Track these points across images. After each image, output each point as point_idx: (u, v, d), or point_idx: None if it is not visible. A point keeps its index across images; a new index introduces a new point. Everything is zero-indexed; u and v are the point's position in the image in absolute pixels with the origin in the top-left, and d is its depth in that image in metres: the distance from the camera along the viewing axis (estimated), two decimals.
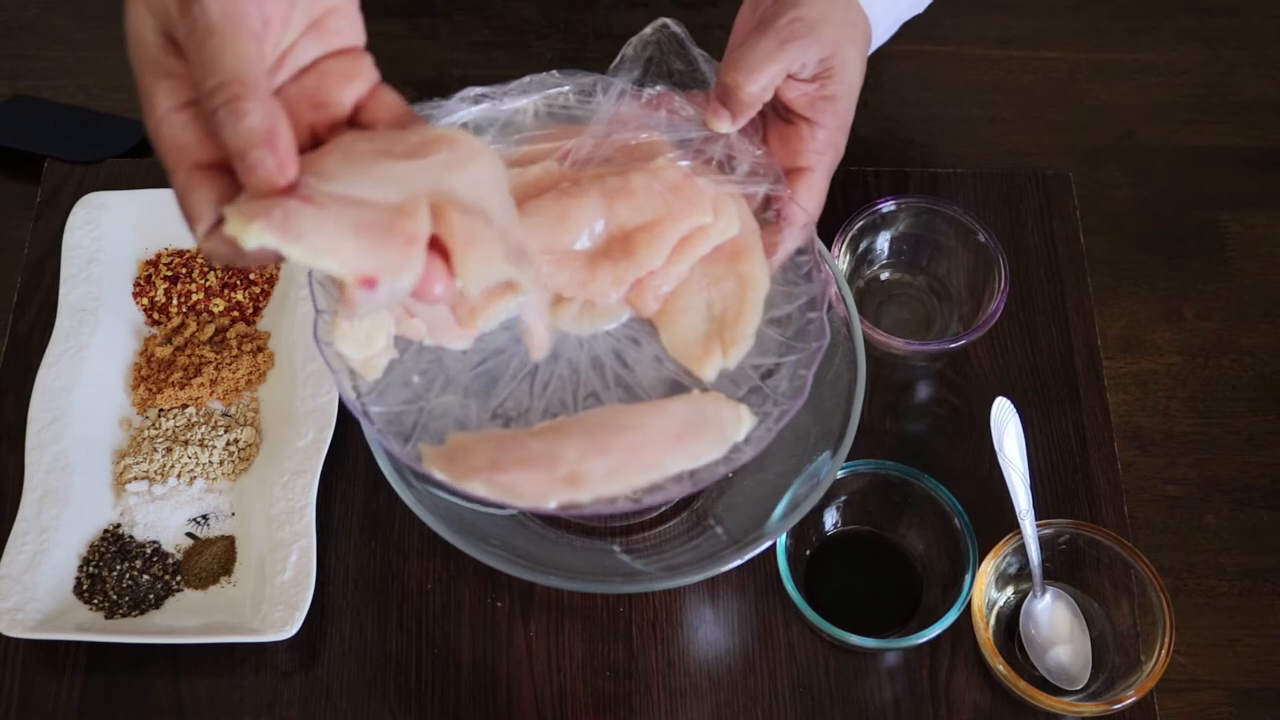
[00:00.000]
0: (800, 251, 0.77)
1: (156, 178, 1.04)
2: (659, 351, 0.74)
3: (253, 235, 0.52)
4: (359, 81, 0.62)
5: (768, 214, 0.77)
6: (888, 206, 0.96)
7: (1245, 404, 0.99)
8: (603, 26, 1.16)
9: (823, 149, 0.77)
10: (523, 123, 0.76)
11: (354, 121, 0.61)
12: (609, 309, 0.74)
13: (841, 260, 0.95)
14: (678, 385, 0.74)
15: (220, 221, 0.54)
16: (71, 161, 1.05)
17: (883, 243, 0.99)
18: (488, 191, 0.60)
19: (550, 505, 0.67)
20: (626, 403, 0.72)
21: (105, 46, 1.14)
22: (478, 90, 0.76)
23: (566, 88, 0.77)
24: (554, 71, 0.76)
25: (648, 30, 0.78)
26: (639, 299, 0.73)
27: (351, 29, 0.63)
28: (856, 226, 0.96)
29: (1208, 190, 1.08)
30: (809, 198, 0.77)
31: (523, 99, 0.76)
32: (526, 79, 0.76)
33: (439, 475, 0.68)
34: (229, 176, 0.55)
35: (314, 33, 0.61)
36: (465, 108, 0.76)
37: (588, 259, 0.71)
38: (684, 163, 0.75)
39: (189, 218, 0.56)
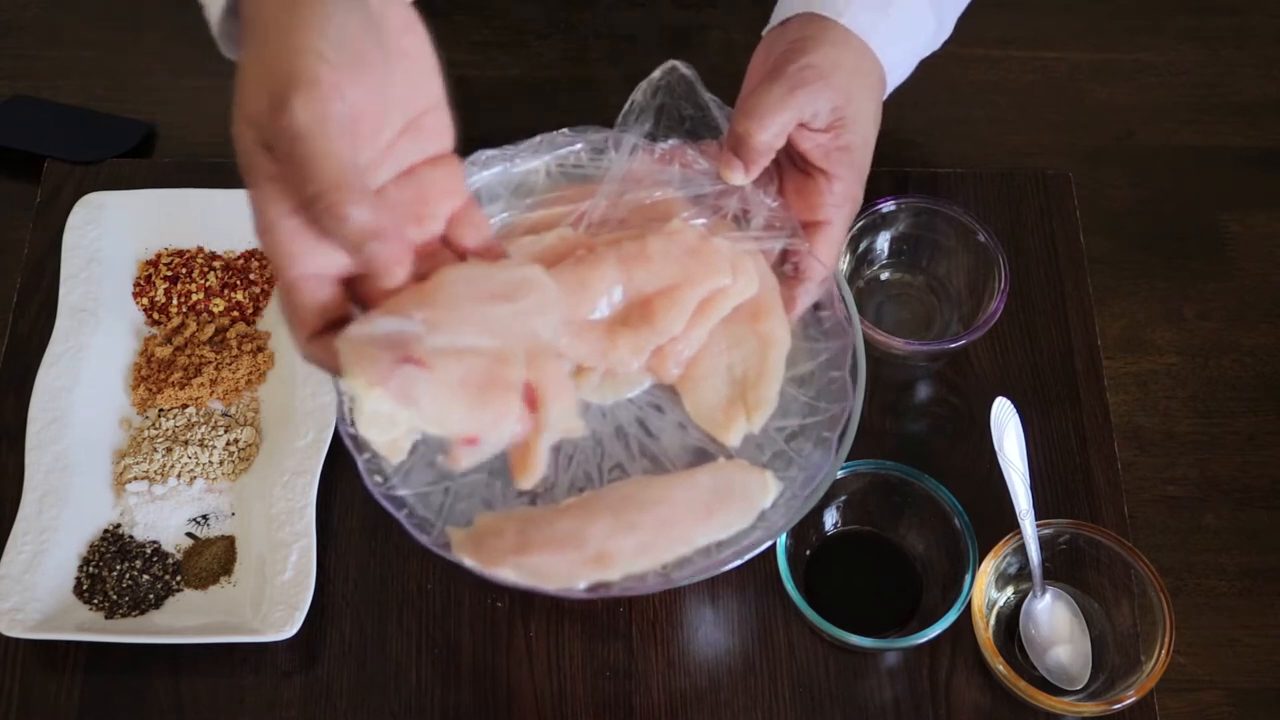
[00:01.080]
0: (818, 306, 0.77)
1: (156, 178, 1.04)
2: (682, 418, 0.74)
3: (372, 399, 0.57)
4: (455, 197, 0.63)
5: (785, 267, 0.76)
6: (888, 206, 0.96)
7: (1245, 404, 0.99)
8: (603, 26, 1.16)
9: (840, 201, 0.76)
10: (535, 184, 0.75)
11: (445, 239, 0.63)
12: (630, 377, 0.73)
13: (841, 260, 0.95)
14: (703, 452, 0.73)
15: (323, 330, 0.58)
16: (71, 161, 1.05)
17: (883, 243, 0.99)
18: (557, 332, 0.65)
19: (580, 586, 0.67)
20: (652, 473, 0.72)
21: (105, 46, 1.14)
22: (489, 153, 0.76)
23: (578, 145, 0.77)
24: (565, 130, 0.76)
25: (656, 74, 0.77)
26: (660, 366, 0.72)
27: (445, 129, 0.64)
28: (856, 226, 0.96)
29: (1208, 190, 1.08)
30: (827, 251, 0.76)
31: (534, 160, 0.76)
32: (538, 139, 0.76)
33: (468, 563, 0.68)
34: (334, 287, 0.58)
35: (412, 133, 0.62)
36: (477, 171, 0.75)
37: (607, 328, 0.71)
38: (699, 221, 0.74)
39: (291, 322, 0.58)
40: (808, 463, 0.72)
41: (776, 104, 0.73)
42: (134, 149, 1.07)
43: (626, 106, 0.77)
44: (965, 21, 1.19)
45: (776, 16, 0.81)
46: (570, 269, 0.70)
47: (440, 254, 0.63)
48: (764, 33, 0.82)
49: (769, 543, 0.70)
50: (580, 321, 0.70)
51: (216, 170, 1.05)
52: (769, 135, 0.73)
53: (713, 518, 0.69)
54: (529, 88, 1.11)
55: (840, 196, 0.76)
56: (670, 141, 0.77)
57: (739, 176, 0.74)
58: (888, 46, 0.78)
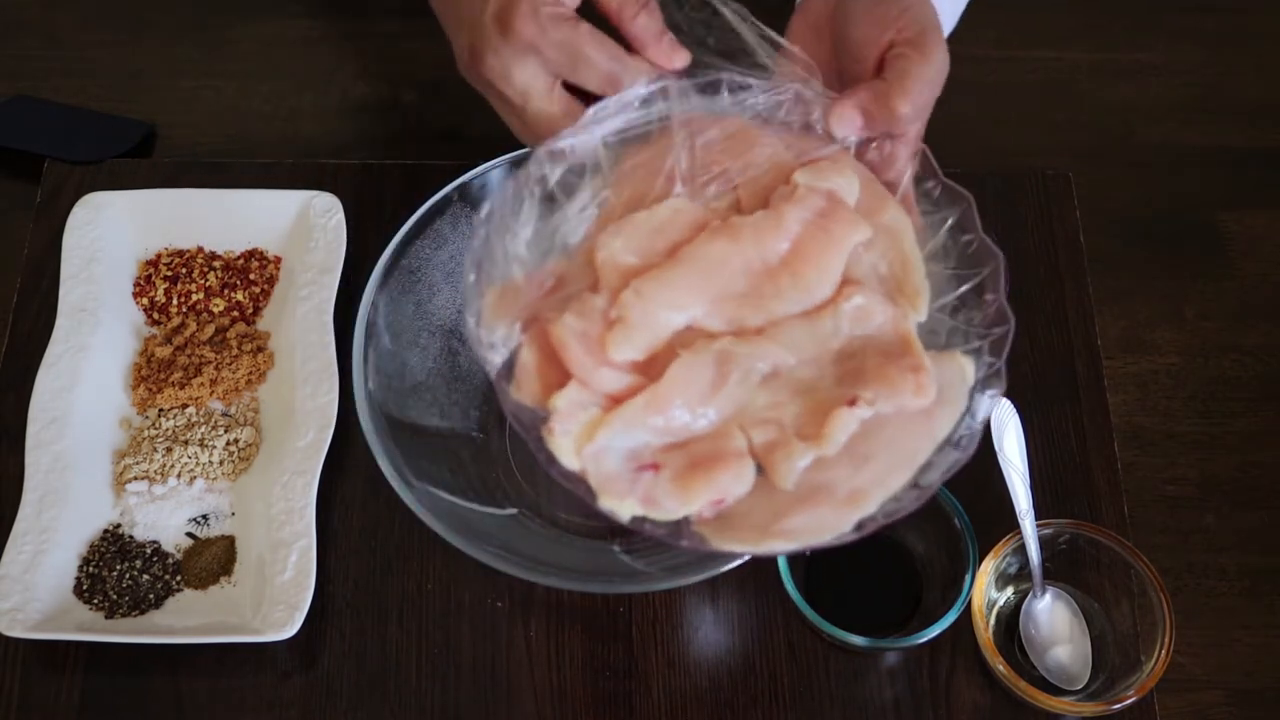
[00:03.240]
0: (918, 179, 0.75)
1: (156, 178, 1.04)
2: None
3: (626, 509, 0.66)
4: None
5: (870, 154, 0.74)
6: None
7: (1245, 404, 0.99)
8: (603, 26, 1.16)
9: (910, 73, 0.73)
10: (600, 160, 0.73)
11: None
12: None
13: None
14: None
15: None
16: (71, 161, 1.05)
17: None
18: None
19: (848, 529, 0.66)
20: None
21: (105, 46, 1.14)
22: (549, 153, 0.72)
23: (626, 113, 0.74)
24: (605, 102, 0.73)
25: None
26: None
27: None
28: None
29: (1208, 190, 1.08)
30: (905, 122, 0.73)
31: (586, 136, 0.73)
32: (587, 115, 0.73)
33: (737, 548, 0.67)
34: None
35: None
36: (547, 169, 0.73)
37: (754, 296, 0.69)
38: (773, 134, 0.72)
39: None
40: (981, 329, 0.71)
41: (929, 83, 0.73)
42: (134, 149, 1.07)
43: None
44: (965, 21, 1.19)
45: None
46: (705, 244, 0.69)
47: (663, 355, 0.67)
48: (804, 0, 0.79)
49: (992, 409, 0.69)
50: (725, 295, 0.68)
51: (216, 170, 1.05)
52: (916, 113, 0.72)
53: (933, 418, 0.67)
54: None
55: (909, 67, 0.73)
56: (709, 75, 0.74)
57: (852, 131, 0.73)
58: (939, 1, 0.77)
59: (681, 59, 0.73)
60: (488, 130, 1.09)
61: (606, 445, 0.66)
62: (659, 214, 0.70)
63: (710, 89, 0.73)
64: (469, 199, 0.91)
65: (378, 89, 1.12)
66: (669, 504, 0.65)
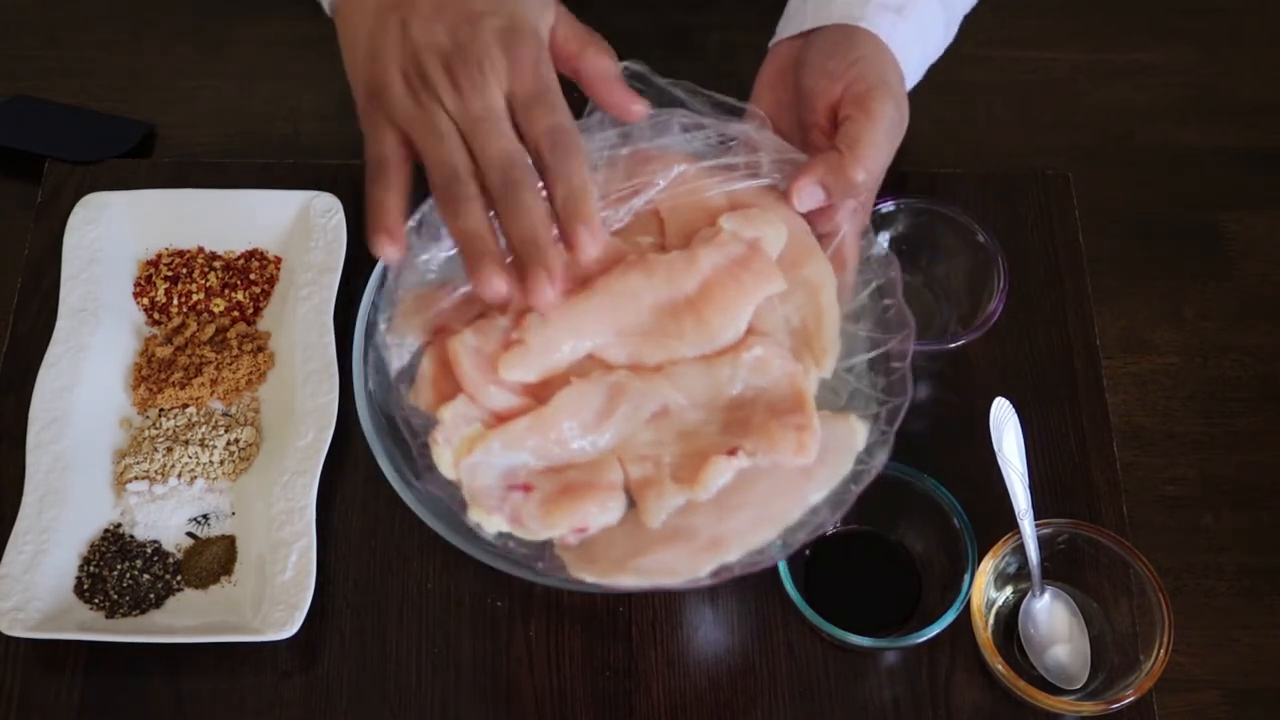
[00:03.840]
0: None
1: (156, 178, 1.04)
2: None
3: (492, 524, 0.67)
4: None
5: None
6: (887, 206, 0.96)
7: (1245, 404, 0.99)
8: (603, 26, 1.16)
9: (863, 132, 0.74)
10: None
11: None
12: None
13: None
14: None
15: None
16: (71, 161, 1.05)
17: (882, 243, 0.98)
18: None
19: (703, 574, 0.66)
20: None
21: (105, 46, 1.14)
22: None
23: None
24: None
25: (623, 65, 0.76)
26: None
27: None
28: None
29: (1208, 190, 1.08)
30: (856, 181, 0.73)
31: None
32: None
33: (589, 579, 0.67)
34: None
35: None
36: None
37: (658, 332, 0.69)
38: (701, 165, 0.74)
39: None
40: (883, 395, 0.71)
41: (879, 147, 0.73)
42: (134, 149, 1.07)
43: (588, 108, 0.75)
44: (965, 21, 1.19)
45: (793, 27, 0.80)
46: (619, 278, 0.70)
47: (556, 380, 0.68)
48: (774, 43, 0.81)
49: (869, 482, 0.69)
50: (629, 329, 0.69)
51: (216, 170, 1.05)
52: (872, 178, 0.73)
53: (811, 478, 0.68)
54: None
55: (859, 133, 0.74)
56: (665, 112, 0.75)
57: (809, 204, 0.73)
58: (903, 50, 0.79)
59: (639, 109, 0.72)
60: None
61: (484, 461, 0.67)
62: None
63: (661, 127, 0.74)
64: None
65: None
66: (533, 525, 0.66)
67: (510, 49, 0.69)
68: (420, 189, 0.70)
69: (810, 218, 0.74)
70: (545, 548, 0.68)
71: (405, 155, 0.70)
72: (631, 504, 0.68)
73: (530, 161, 0.67)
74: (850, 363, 0.72)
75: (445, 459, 0.67)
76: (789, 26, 0.81)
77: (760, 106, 0.77)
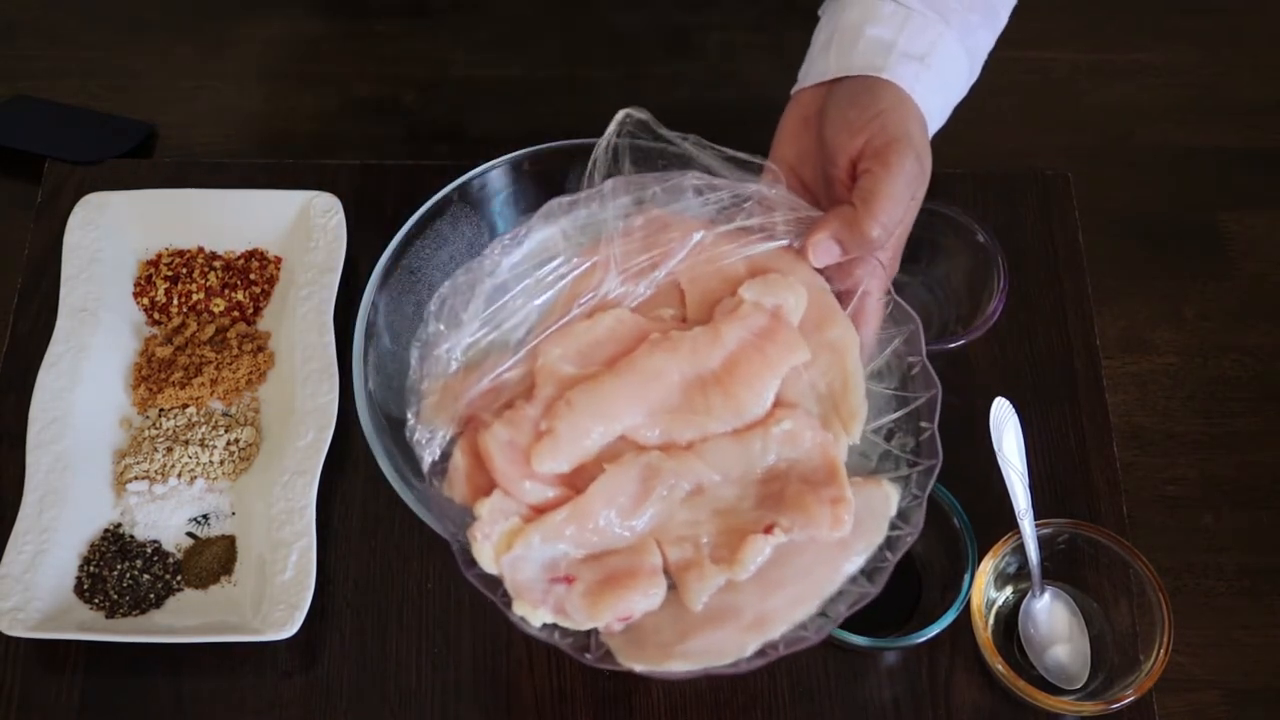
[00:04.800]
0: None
1: (156, 178, 1.04)
2: None
3: (538, 617, 0.67)
4: None
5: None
6: None
7: (1245, 404, 0.99)
8: (603, 26, 1.16)
9: (885, 189, 0.72)
10: (556, 248, 0.74)
11: None
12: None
13: None
14: None
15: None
16: (71, 161, 1.05)
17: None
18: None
19: (748, 653, 0.66)
20: None
21: (105, 47, 1.14)
22: (505, 243, 0.75)
23: (588, 206, 0.75)
24: (561, 199, 0.74)
25: (611, 127, 0.75)
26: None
27: None
28: None
29: (1208, 190, 1.08)
30: (875, 225, 0.72)
31: (548, 229, 0.74)
32: (541, 210, 0.75)
33: (640, 668, 0.67)
34: None
35: None
36: (501, 259, 0.74)
37: (685, 410, 0.69)
38: (720, 229, 0.73)
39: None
40: (913, 457, 0.71)
41: (896, 201, 0.72)
42: (134, 149, 1.07)
43: (590, 166, 0.76)
44: None
45: (815, 75, 0.79)
46: (645, 357, 0.70)
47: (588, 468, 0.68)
48: (797, 90, 0.80)
49: (905, 549, 0.68)
50: (658, 408, 0.69)
51: (216, 170, 1.05)
52: (888, 232, 0.72)
53: (848, 549, 0.67)
54: (529, 88, 1.11)
55: (876, 187, 0.72)
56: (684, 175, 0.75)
57: (826, 259, 0.72)
58: (926, 99, 0.77)
59: None
60: (488, 130, 1.10)
61: (524, 555, 0.67)
62: (602, 323, 0.71)
63: (674, 191, 0.74)
64: (469, 199, 0.91)
65: (378, 89, 1.12)
66: (578, 617, 0.66)
67: None
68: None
69: (829, 274, 0.74)
70: (591, 636, 0.68)
71: None
72: (672, 586, 0.67)
73: None
74: (878, 424, 0.72)
75: (486, 554, 0.67)
76: (811, 74, 0.79)
77: (783, 155, 0.77)
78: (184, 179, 1.03)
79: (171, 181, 1.03)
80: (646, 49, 1.15)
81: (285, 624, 0.85)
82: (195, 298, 0.99)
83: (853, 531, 0.67)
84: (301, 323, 0.96)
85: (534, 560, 0.67)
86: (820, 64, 0.78)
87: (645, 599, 0.66)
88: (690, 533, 0.67)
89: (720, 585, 0.66)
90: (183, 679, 0.87)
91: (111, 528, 0.91)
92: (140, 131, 1.08)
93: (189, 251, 1.01)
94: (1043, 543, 0.87)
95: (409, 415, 0.71)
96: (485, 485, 0.68)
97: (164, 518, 0.92)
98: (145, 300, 0.99)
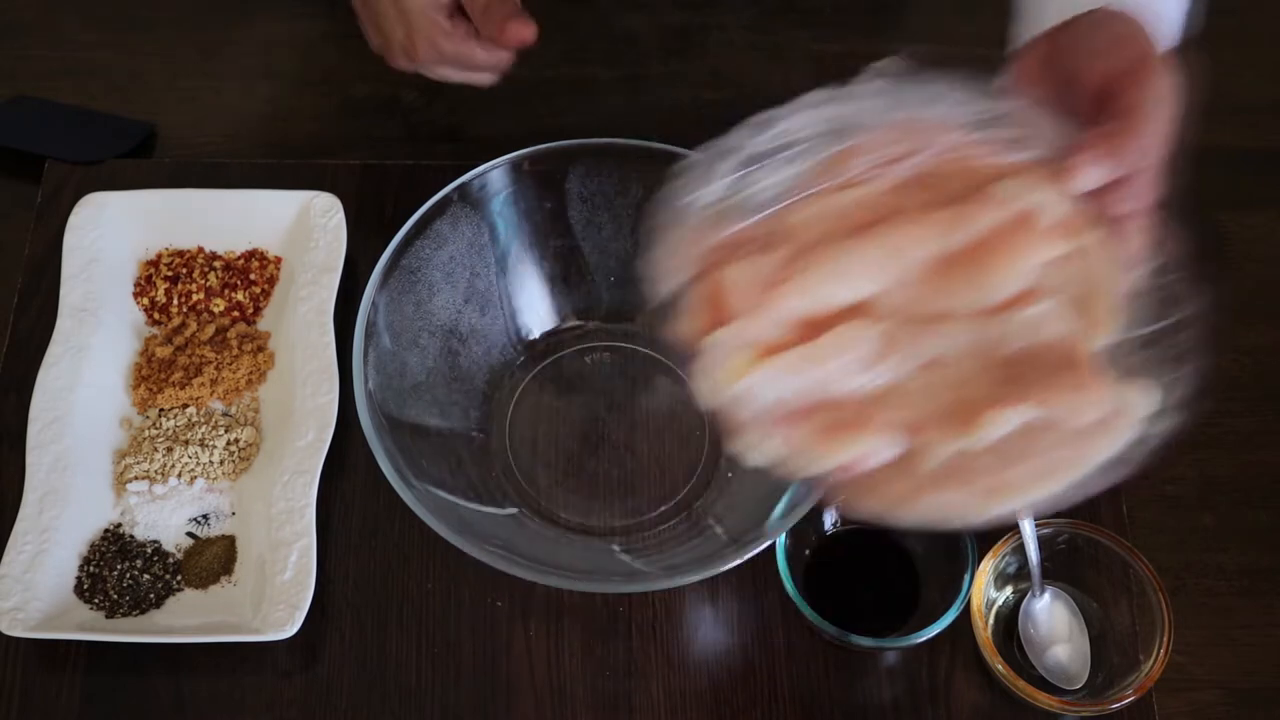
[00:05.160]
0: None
1: (156, 178, 1.04)
2: None
3: (757, 454, 0.66)
4: None
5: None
6: None
7: (1245, 404, 0.99)
8: (603, 27, 1.16)
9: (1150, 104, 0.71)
10: (808, 133, 0.72)
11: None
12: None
13: None
14: None
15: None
16: (71, 161, 1.05)
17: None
18: None
19: (985, 517, 0.65)
20: None
21: (105, 46, 1.14)
22: (756, 123, 0.72)
23: (840, 105, 0.73)
24: (819, 92, 0.72)
25: (882, 63, 0.73)
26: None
27: None
28: None
29: (1207, 190, 1.08)
30: (1136, 142, 0.71)
31: (801, 115, 0.72)
32: (798, 100, 0.73)
33: (867, 511, 0.66)
34: None
35: None
36: (751, 137, 0.72)
37: (932, 288, 0.68)
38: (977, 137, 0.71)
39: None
40: (1172, 365, 0.69)
41: (1156, 119, 0.72)
42: (134, 149, 1.07)
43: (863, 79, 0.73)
44: (965, 22, 1.19)
45: (1044, 21, 0.77)
46: (891, 230, 0.68)
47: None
48: (1021, 43, 0.78)
49: (1148, 450, 0.67)
50: (902, 280, 0.68)
51: (216, 170, 1.05)
52: (1151, 150, 0.72)
53: (1091, 441, 0.66)
54: (529, 88, 1.11)
55: (1132, 104, 0.71)
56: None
57: (1096, 183, 0.70)
58: (1159, 16, 0.76)
59: (529, 32, 0.88)
60: (488, 130, 1.10)
61: (752, 389, 0.66)
62: (853, 194, 0.69)
63: (934, 97, 0.72)
64: (469, 199, 0.91)
65: (378, 89, 1.12)
66: (803, 458, 0.65)
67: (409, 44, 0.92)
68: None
69: (1093, 196, 0.71)
70: (814, 480, 0.67)
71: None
72: (901, 447, 0.66)
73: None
74: (1131, 334, 0.69)
75: (708, 387, 0.67)
76: (1035, 23, 0.77)
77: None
78: (184, 179, 1.03)
79: (171, 181, 1.03)
80: (646, 49, 1.15)
81: (285, 624, 0.85)
82: (195, 298, 0.99)
83: (1097, 425, 0.65)
84: (301, 323, 0.96)
85: (761, 396, 0.66)
86: (1046, 9, 0.77)
87: (877, 450, 0.65)
88: (926, 399, 0.66)
89: (953, 451, 0.64)
90: (183, 679, 0.87)
91: (111, 528, 0.91)
92: (140, 131, 1.08)
93: (189, 251, 1.01)
94: (1043, 543, 0.87)
95: (649, 253, 0.71)
96: (718, 322, 0.68)
97: (164, 518, 0.92)
98: (145, 300, 0.99)
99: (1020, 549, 0.86)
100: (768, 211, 0.70)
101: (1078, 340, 0.66)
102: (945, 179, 0.70)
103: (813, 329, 0.67)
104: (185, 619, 0.88)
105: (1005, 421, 0.64)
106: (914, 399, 0.66)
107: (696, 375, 0.67)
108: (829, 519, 0.90)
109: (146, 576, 0.89)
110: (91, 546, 0.90)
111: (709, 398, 0.67)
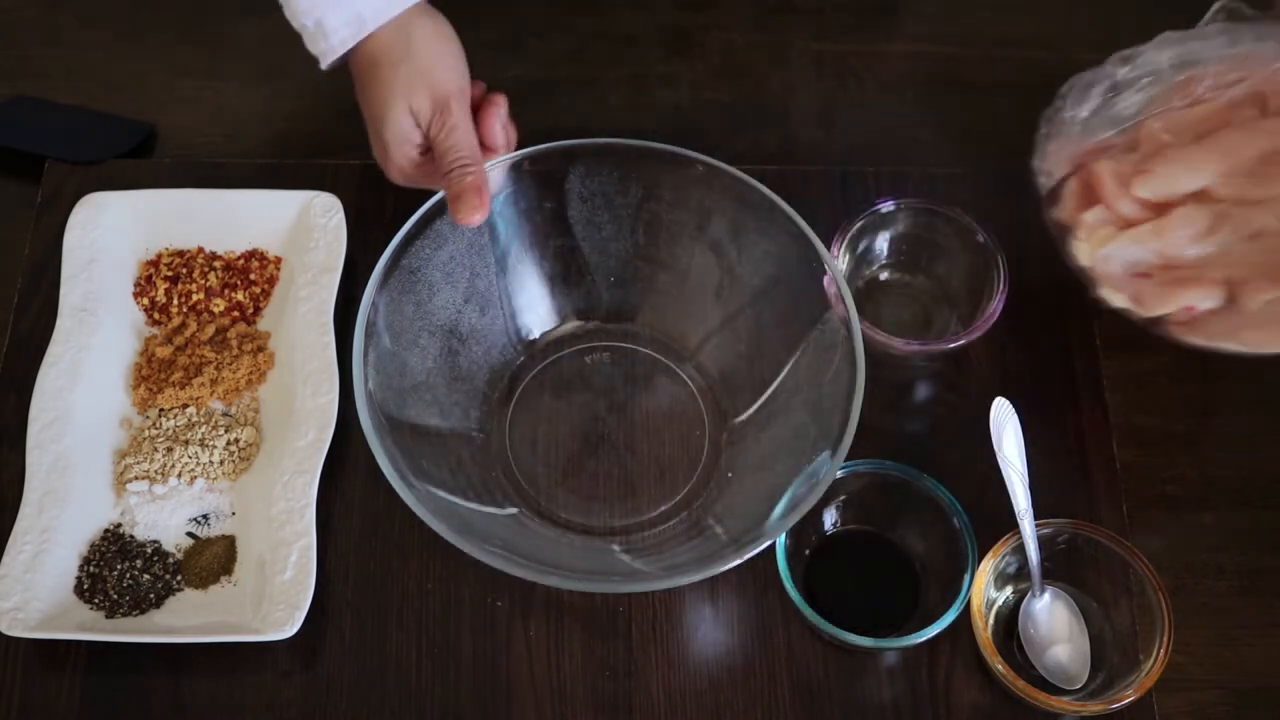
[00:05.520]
0: None
1: (156, 178, 1.04)
2: None
3: (1118, 300, 0.89)
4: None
5: None
6: (887, 207, 0.96)
7: (1245, 404, 0.99)
8: (603, 26, 1.16)
9: None
10: (1163, 64, 0.93)
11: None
12: None
13: (841, 260, 0.96)
14: None
15: None
16: (71, 161, 1.05)
17: (882, 243, 0.99)
18: None
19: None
20: None
21: (105, 46, 1.14)
22: (1123, 55, 0.94)
23: (1189, 43, 0.93)
24: (1172, 33, 0.94)
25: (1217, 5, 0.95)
26: None
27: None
28: (856, 227, 0.96)
29: None
30: None
31: (1159, 51, 0.93)
32: (1156, 40, 0.94)
33: (1198, 341, 0.87)
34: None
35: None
36: (1118, 68, 0.94)
37: (1260, 176, 0.88)
38: None
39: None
40: None
41: None
42: (134, 149, 1.07)
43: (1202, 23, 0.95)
44: (965, 21, 1.19)
45: None
46: (1229, 133, 0.89)
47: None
48: None
49: None
50: (1234, 171, 0.88)
51: (216, 170, 1.05)
52: None
53: None
54: (529, 88, 1.11)
55: None
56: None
57: None
58: None
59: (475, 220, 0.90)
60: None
61: (1115, 253, 0.88)
62: (1195, 111, 0.90)
63: (1270, 36, 0.91)
64: None
65: None
66: (1151, 303, 0.87)
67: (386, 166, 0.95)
68: None
69: None
70: (1160, 320, 0.88)
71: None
72: (1229, 298, 0.86)
73: None
74: None
75: (1085, 251, 0.88)
76: None
77: None
78: (184, 179, 1.03)
79: (171, 181, 1.03)
80: (646, 49, 1.15)
81: (285, 624, 0.85)
82: (195, 298, 0.99)
83: None
84: (301, 323, 0.96)
85: (1121, 259, 0.87)
86: None
87: (1207, 297, 0.85)
88: (1251, 258, 0.86)
89: (1270, 300, 0.85)
90: (183, 679, 0.88)
91: (111, 528, 0.91)
92: (140, 131, 1.08)
93: (189, 251, 1.01)
94: (1043, 543, 0.87)
95: (1035, 157, 0.93)
96: (1089, 204, 0.89)
97: (164, 518, 0.92)
98: (145, 300, 0.99)
99: (1020, 549, 0.86)
100: (1130, 123, 0.92)
101: None
102: (1276, 94, 0.90)
103: (1161, 209, 0.88)
104: (185, 619, 0.88)
105: None
106: (1238, 261, 0.86)
107: (1075, 243, 0.89)
108: (829, 519, 0.91)
109: (146, 576, 0.89)
110: (91, 546, 0.90)
111: (1084, 260, 0.88)
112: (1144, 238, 0.88)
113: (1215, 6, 0.94)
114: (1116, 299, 0.88)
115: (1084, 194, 0.91)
